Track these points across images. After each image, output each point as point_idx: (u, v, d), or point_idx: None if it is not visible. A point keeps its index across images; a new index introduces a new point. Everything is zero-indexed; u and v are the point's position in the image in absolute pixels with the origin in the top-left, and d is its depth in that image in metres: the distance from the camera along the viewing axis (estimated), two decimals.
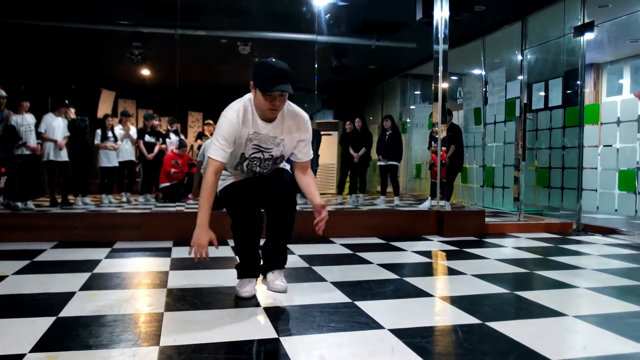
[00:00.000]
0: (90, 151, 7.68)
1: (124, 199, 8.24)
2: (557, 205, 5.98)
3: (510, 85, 6.52)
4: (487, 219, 5.33)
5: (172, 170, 8.37)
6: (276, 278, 2.55)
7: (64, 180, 7.51)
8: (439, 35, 5.22)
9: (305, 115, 2.54)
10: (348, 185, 8.69)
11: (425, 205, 7.65)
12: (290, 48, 8.11)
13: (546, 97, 6.04)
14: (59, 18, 7.26)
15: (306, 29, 6.30)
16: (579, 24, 5.61)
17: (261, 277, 2.68)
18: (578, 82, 5.70)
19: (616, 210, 5.18)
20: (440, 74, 5.22)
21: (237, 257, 2.70)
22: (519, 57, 6.56)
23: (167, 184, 8.48)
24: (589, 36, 5.64)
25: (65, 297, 2.57)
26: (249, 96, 2.46)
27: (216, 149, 2.39)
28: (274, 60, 2.40)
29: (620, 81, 5.47)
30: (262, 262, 2.65)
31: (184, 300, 2.57)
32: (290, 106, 2.51)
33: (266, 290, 2.61)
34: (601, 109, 5.39)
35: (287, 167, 2.71)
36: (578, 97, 5.68)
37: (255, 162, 2.52)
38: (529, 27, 6.44)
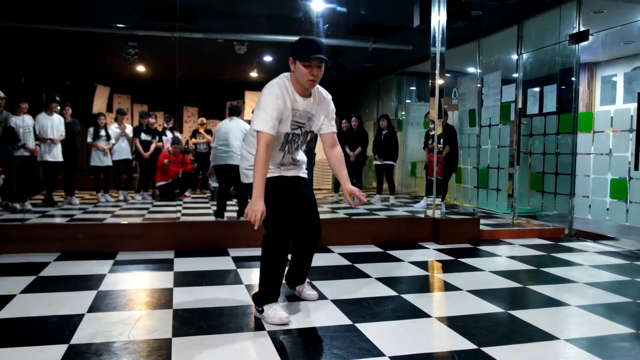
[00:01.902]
0: (77, 153, 7.72)
1: (121, 197, 8.30)
2: (550, 210, 6.10)
3: (505, 89, 6.59)
4: (481, 221, 5.45)
5: (166, 160, 8.38)
6: (307, 289, 3.07)
7: (60, 178, 7.56)
8: (437, 44, 5.27)
9: (330, 95, 2.84)
10: None
11: (421, 205, 7.77)
12: (288, 49, 8.14)
13: (541, 103, 6.12)
14: (57, 20, 7.22)
15: (304, 32, 6.32)
16: (574, 31, 5.67)
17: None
18: (572, 90, 5.78)
19: (608, 209, 5.29)
20: (437, 72, 5.26)
21: (261, 281, 2.68)
22: (515, 61, 6.62)
23: (164, 182, 8.54)
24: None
25: (74, 320, 2.64)
26: (285, 75, 2.67)
27: (265, 120, 2.50)
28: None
29: (614, 79, 5.53)
30: (290, 275, 3.06)
31: (190, 323, 2.65)
32: (319, 87, 2.78)
33: None
34: (594, 117, 5.48)
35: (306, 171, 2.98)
36: (572, 104, 5.77)
37: (295, 138, 2.72)
38: (525, 32, 6.50)
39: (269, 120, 2.51)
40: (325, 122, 2.80)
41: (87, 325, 2.59)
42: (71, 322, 2.62)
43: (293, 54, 2.59)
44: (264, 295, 2.67)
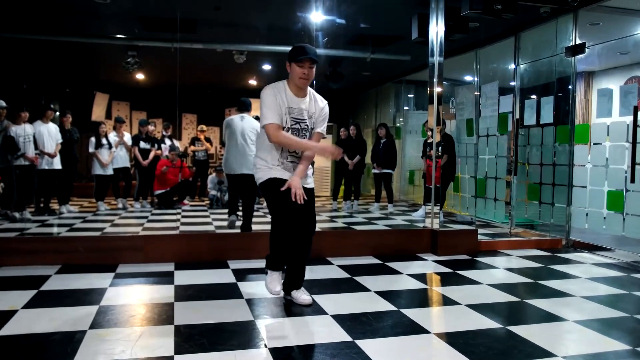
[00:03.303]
0: (75, 161, 7.75)
1: (120, 205, 8.32)
2: (547, 219, 6.14)
3: (502, 100, 6.64)
4: (479, 230, 5.49)
5: (164, 167, 8.40)
6: (301, 294, 3.31)
7: (56, 187, 7.56)
8: (435, 56, 5.32)
9: (326, 102, 3.29)
10: (343, 188, 8.84)
11: (419, 214, 7.82)
12: (286, 58, 8.21)
13: (538, 114, 6.17)
14: (58, 32, 7.26)
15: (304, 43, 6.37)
16: (571, 43, 5.73)
17: (283, 293, 3.32)
18: (569, 101, 5.84)
19: (605, 218, 5.33)
20: (435, 81, 5.31)
21: (269, 252, 3.23)
22: (512, 72, 6.68)
23: (162, 190, 8.55)
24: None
25: (77, 337, 2.66)
26: (283, 80, 3.15)
27: (265, 115, 3.03)
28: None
29: (610, 86, 5.57)
30: (286, 282, 3.30)
31: (191, 340, 2.68)
32: (315, 93, 3.26)
33: (272, 327, 2.74)
34: (591, 129, 5.53)
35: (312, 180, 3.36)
36: (569, 115, 5.82)
37: (294, 132, 3.12)
38: (522, 43, 6.55)
39: (268, 114, 3.02)
40: (319, 123, 3.24)
41: (90, 343, 2.61)
42: (74, 339, 2.64)
43: (289, 57, 3.10)
44: (270, 262, 3.23)
